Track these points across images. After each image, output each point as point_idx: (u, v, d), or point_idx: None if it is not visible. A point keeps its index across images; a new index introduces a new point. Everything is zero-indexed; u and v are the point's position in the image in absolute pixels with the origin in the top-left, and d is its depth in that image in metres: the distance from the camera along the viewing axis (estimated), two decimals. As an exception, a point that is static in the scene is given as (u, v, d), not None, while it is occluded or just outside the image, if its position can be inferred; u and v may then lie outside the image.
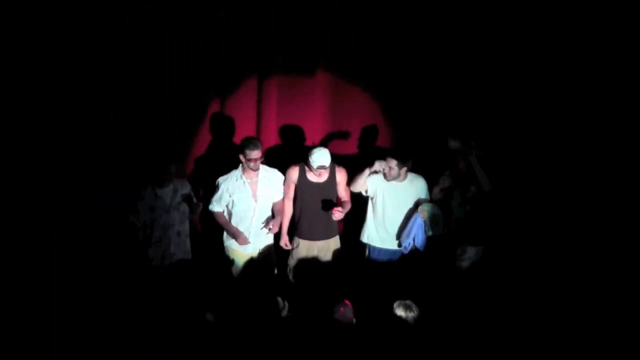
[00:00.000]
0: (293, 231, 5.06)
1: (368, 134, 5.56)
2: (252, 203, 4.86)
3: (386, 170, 4.79)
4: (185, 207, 4.83)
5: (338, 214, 4.72)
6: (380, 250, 5.04)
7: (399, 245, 4.94)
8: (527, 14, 5.10)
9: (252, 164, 4.73)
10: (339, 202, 4.94)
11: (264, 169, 4.90)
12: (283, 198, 4.98)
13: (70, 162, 5.17)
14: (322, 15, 5.25)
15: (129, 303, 4.70)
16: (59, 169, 5.17)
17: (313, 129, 5.54)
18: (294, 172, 4.91)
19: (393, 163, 4.76)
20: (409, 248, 4.88)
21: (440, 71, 5.31)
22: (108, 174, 5.14)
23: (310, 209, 4.91)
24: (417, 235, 4.84)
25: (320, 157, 4.70)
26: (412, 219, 4.85)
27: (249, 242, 4.88)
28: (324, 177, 4.85)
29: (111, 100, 5.11)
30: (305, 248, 5.00)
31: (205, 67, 5.25)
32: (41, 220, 5.07)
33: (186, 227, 4.93)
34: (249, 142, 4.76)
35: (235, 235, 4.87)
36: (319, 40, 5.31)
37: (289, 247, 5.04)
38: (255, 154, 4.71)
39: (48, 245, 4.98)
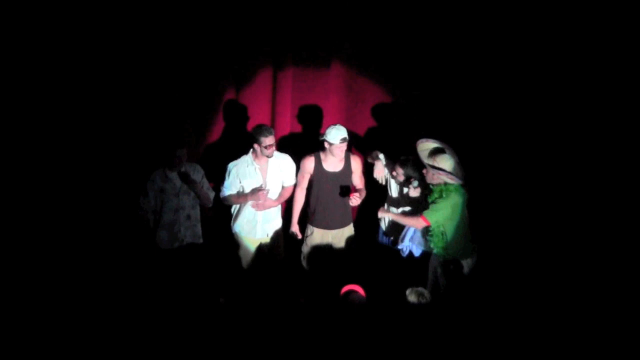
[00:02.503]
0: (305, 219, 5.06)
1: (383, 121, 5.50)
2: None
3: (394, 175, 4.77)
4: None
5: (355, 200, 4.70)
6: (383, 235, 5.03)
7: (393, 243, 4.86)
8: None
9: (268, 151, 4.74)
10: (354, 191, 4.90)
11: (275, 155, 4.88)
12: (295, 186, 4.97)
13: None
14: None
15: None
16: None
17: (328, 113, 5.49)
18: (310, 163, 4.89)
19: (400, 171, 4.71)
20: (406, 252, 4.75)
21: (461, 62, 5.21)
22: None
23: (325, 198, 4.90)
24: (414, 240, 4.69)
25: (338, 129, 4.70)
26: None
27: (267, 196, 4.84)
28: (337, 164, 4.82)
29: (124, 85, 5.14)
30: (319, 236, 4.99)
31: (221, 54, 5.26)
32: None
33: (197, 212, 4.94)
34: (263, 129, 4.74)
35: (254, 196, 4.82)
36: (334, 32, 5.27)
37: (299, 236, 5.03)
38: (270, 140, 4.71)
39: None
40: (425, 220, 4.37)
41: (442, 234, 4.44)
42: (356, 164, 4.94)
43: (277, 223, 5.06)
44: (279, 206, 5.08)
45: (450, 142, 4.54)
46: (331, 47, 5.31)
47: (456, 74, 5.20)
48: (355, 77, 5.39)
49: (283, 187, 5.00)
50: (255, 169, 4.86)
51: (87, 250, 5.02)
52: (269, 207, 4.92)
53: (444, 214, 4.36)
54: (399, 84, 5.37)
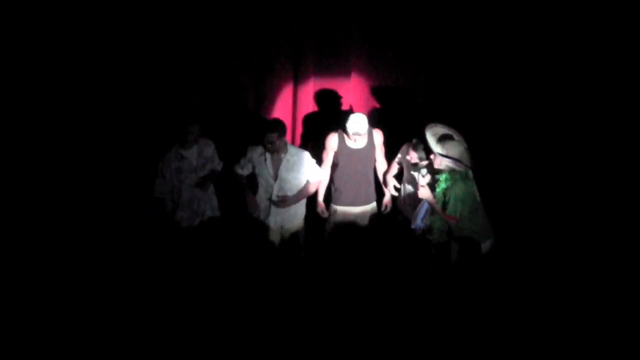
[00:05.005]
0: (329, 198, 5.03)
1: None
2: (270, 182, 4.74)
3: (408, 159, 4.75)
4: (209, 166, 4.88)
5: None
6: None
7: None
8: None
9: (266, 146, 4.64)
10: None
11: (291, 152, 4.73)
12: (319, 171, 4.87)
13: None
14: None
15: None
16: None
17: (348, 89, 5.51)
18: (333, 140, 4.88)
19: (414, 155, 4.68)
20: (419, 232, 4.68)
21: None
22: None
23: (349, 175, 4.89)
24: (424, 221, 4.62)
25: (356, 123, 4.66)
26: (423, 201, 4.58)
27: (258, 213, 4.81)
28: (359, 142, 4.80)
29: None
30: (342, 214, 4.98)
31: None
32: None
33: (212, 185, 4.95)
34: (269, 124, 4.71)
35: (248, 201, 4.81)
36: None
37: (326, 214, 4.99)
38: (268, 137, 4.58)
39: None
40: (452, 218, 4.38)
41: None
42: (378, 138, 4.91)
43: (295, 216, 4.89)
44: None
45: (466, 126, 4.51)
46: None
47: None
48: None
49: (308, 182, 4.84)
50: (266, 159, 4.74)
51: (104, 237, 5.06)
52: (289, 204, 4.79)
53: (461, 202, 4.35)
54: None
